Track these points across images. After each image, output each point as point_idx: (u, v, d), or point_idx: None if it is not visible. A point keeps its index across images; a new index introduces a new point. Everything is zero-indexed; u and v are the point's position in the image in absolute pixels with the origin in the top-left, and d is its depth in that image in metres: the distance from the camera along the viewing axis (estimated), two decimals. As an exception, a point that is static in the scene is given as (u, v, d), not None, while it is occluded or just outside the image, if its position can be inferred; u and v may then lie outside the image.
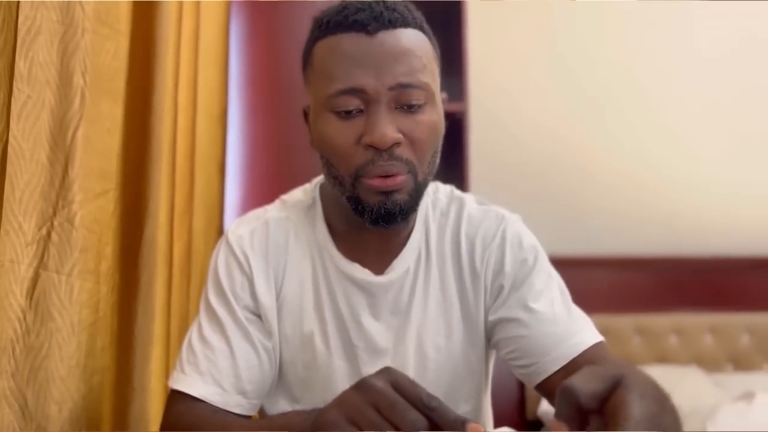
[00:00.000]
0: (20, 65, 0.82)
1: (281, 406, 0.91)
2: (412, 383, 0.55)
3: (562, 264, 0.92)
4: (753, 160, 2.63)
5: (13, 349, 0.82)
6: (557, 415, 0.50)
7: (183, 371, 0.84)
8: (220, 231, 1.48)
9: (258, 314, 0.87)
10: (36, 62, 0.84)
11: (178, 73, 1.16)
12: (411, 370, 0.88)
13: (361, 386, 0.56)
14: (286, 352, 0.89)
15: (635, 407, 0.47)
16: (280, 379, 0.91)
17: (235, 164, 1.88)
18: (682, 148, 2.61)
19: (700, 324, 2.45)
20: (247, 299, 0.87)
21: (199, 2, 1.32)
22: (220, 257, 0.89)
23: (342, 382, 0.88)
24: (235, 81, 1.81)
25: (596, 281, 2.34)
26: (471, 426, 0.52)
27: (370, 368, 0.86)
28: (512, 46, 2.59)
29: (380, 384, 0.55)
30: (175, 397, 0.83)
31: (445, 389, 0.89)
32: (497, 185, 2.45)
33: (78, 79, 0.89)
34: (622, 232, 2.56)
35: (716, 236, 2.57)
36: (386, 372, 0.56)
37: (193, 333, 0.87)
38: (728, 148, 2.62)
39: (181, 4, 1.14)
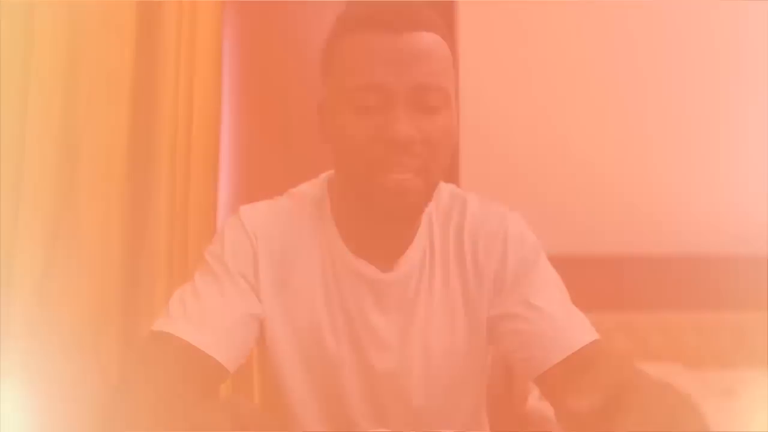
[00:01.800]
0: (33, 69, 0.84)
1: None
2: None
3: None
4: (736, 162, 2.67)
5: (23, 346, 0.84)
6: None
7: (168, 315, 0.78)
8: (214, 232, 1.48)
9: (257, 291, 0.86)
10: (46, 66, 0.86)
11: (178, 76, 1.17)
12: (416, 366, 0.90)
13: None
14: (291, 344, 0.90)
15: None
16: (281, 377, 0.89)
17: (227, 166, 1.89)
18: (667, 149, 2.65)
19: (684, 322, 2.50)
20: (250, 275, 0.86)
21: (195, 5, 1.33)
22: (228, 233, 0.88)
23: (350, 374, 0.89)
24: (227, 83, 1.83)
25: (581, 279, 2.33)
26: None
27: (376, 362, 0.88)
28: (498, 48, 2.62)
29: None
30: (153, 335, 0.76)
31: (447, 384, 0.91)
32: (485, 184, 2.47)
33: (85, 83, 0.91)
34: (608, 231, 2.60)
35: (700, 235, 2.62)
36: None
37: (185, 289, 0.81)
38: (713, 150, 2.67)
39: (180, 9, 1.16)
